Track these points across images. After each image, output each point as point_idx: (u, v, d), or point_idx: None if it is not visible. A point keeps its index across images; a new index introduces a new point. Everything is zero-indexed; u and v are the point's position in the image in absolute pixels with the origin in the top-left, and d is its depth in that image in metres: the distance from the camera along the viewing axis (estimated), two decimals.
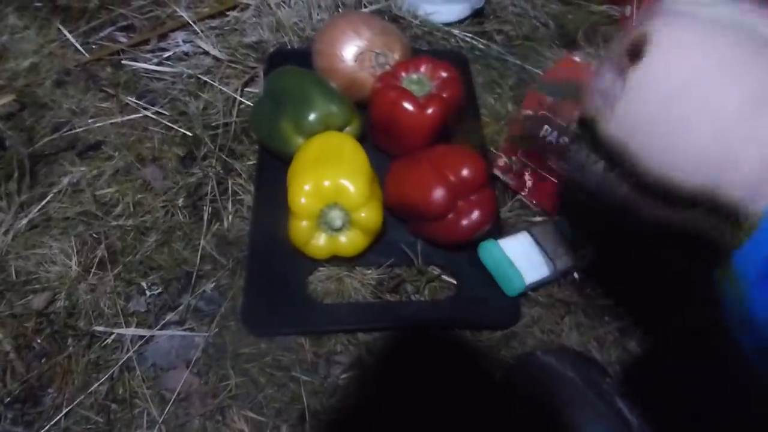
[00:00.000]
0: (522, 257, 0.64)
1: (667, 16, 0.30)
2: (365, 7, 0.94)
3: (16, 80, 0.84)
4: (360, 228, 0.63)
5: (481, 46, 0.92)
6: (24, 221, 0.71)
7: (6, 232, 0.69)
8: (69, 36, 0.89)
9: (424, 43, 0.91)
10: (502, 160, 0.73)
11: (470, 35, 0.93)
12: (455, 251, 0.67)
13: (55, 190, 0.74)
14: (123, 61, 0.87)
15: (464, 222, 0.62)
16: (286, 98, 0.70)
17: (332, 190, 0.61)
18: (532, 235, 0.67)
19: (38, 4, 0.94)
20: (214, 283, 0.67)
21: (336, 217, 0.62)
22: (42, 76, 0.85)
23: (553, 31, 0.95)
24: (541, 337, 0.64)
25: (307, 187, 0.61)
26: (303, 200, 0.60)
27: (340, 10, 0.93)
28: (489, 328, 0.64)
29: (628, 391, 0.51)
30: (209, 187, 0.74)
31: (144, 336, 0.64)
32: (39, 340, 0.63)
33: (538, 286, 0.66)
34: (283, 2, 0.94)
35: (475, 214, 0.62)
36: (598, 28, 0.95)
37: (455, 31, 0.93)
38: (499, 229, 0.68)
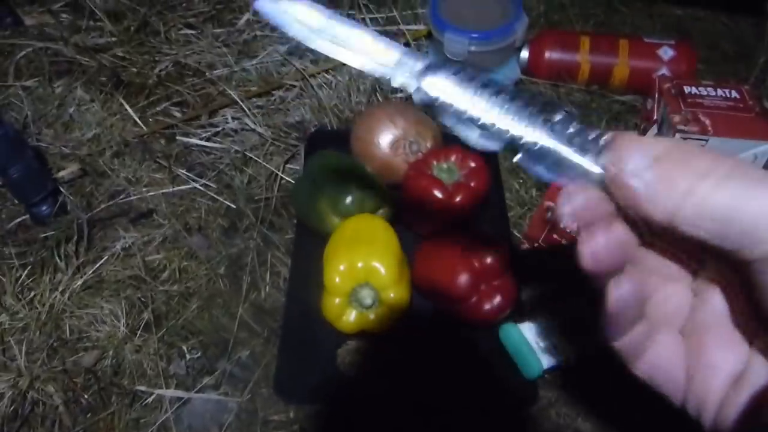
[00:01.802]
0: (541, 341, 0.68)
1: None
2: (401, 92, 1.01)
3: (80, 149, 0.92)
4: (388, 306, 0.68)
5: None
6: (79, 282, 0.77)
7: (63, 292, 0.76)
8: (129, 110, 0.97)
9: None
10: (525, 246, 0.78)
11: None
12: (476, 331, 0.71)
13: (108, 254, 0.80)
14: (177, 137, 0.94)
15: (487, 306, 0.67)
16: (324, 181, 0.76)
17: (364, 270, 0.66)
18: (551, 320, 0.70)
19: (103, 79, 1.03)
20: (249, 351, 0.72)
21: (367, 295, 0.67)
22: (103, 146, 0.93)
23: (577, 119, 1.00)
24: (557, 420, 0.67)
25: (341, 268, 0.66)
26: (337, 279, 0.66)
27: (377, 93, 1.00)
28: (507, 409, 0.67)
29: None
30: (249, 258, 0.80)
31: (182, 398, 0.68)
32: (86, 396, 0.68)
33: (556, 369, 0.69)
34: (325, 84, 1.02)
35: (497, 299, 0.67)
36: (620, 118, 1.01)
37: None
38: (519, 312, 0.72)
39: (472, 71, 0.28)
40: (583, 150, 0.26)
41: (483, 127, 0.27)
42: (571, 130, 0.27)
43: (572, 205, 0.26)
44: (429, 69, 0.28)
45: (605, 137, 0.26)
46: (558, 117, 0.27)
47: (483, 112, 0.27)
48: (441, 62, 0.28)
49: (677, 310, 0.31)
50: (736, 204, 0.23)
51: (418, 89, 0.28)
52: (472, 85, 0.28)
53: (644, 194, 0.24)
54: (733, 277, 0.27)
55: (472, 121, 0.27)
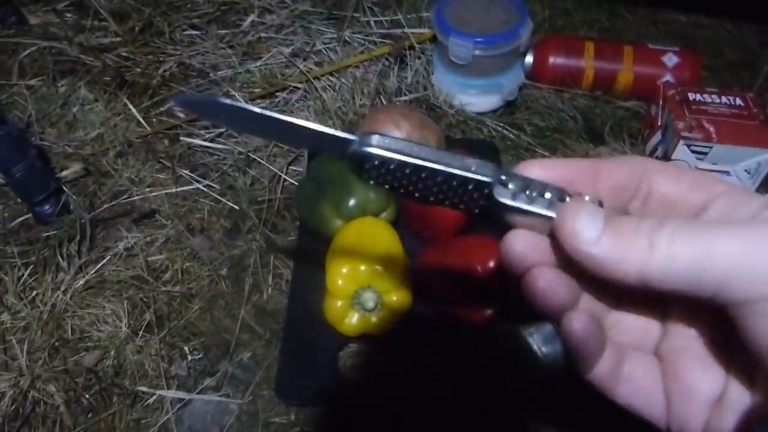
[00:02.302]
0: (543, 346, 0.68)
1: None
2: (405, 95, 1.01)
3: (83, 149, 0.92)
4: (390, 310, 0.68)
5: (511, 136, 0.97)
6: (81, 281, 0.77)
7: (65, 291, 0.75)
8: (133, 110, 0.97)
9: (458, 132, 0.98)
10: None
11: (502, 125, 0.99)
12: (478, 335, 0.71)
13: (111, 254, 0.80)
14: (180, 137, 0.94)
15: (489, 310, 0.67)
16: (327, 183, 0.76)
17: (367, 273, 0.66)
18: (554, 326, 0.70)
19: (107, 79, 1.03)
20: (250, 352, 0.72)
21: (369, 298, 0.67)
22: (106, 146, 0.93)
23: (580, 124, 1.00)
24: (557, 426, 0.66)
25: (344, 270, 0.66)
26: (340, 282, 0.66)
27: (381, 96, 1.01)
28: (508, 413, 0.67)
29: None
30: (252, 260, 0.80)
31: (183, 399, 0.68)
32: (87, 396, 0.68)
33: (557, 374, 0.69)
34: (329, 86, 1.02)
35: (500, 304, 0.67)
36: (624, 124, 1.01)
37: (488, 121, 0.99)
38: (522, 317, 0.72)
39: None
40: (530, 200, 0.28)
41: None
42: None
43: (520, 249, 0.28)
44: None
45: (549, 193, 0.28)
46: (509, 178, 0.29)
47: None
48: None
49: (647, 331, 0.31)
50: (702, 253, 0.23)
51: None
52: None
53: (607, 261, 0.25)
54: (705, 315, 0.27)
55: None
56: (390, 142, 0.28)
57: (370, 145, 0.28)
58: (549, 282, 0.27)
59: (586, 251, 0.25)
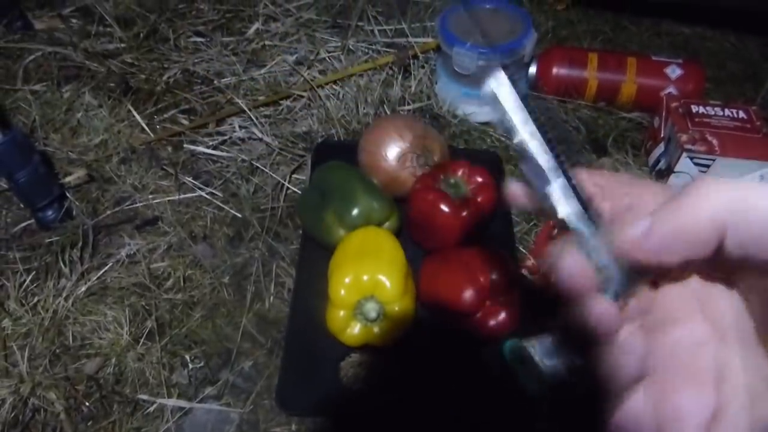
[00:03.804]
0: (547, 359, 0.67)
1: None
2: (408, 104, 1.01)
3: (86, 155, 0.92)
4: (393, 320, 0.67)
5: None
6: (83, 288, 0.77)
7: (67, 298, 0.75)
8: (137, 116, 0.97)
9: (461, 142, 0.98)
10: (530, 261, 0.78)
11: (505, 135, 0.99)
12: (481, 347, 0.71)
13: (113, 261, 0.80)
14: (184, 144, 0.94)
15: (491, 322, 0.67)
16: (331, 192, 0.76)
17: (370, 283, 0.66)
18: (556, 337, 0.70)
19: (112, 85, 1.04)
20: (252, 361, 0.72)
21: (372, 309, 0.66)
22: (110, 152, 0.93)
23: (583, 135, 1.00)
24: None
25: (347, 280, 0.66)
26: (342, 292, 0.65)
27: (385, 105, 1.01)
28: (510, 426, 0.67)
29: None
30: (254, 268, 0.80)
31: (184, 408, 0.68)
32: (88, 404, 0.68)
33: (559, 386, 0.69)
34: (333, 95, 1.02)
35: (502, 316, 0.67)
36: (627, 135, 1.01)
37: (491, 131, 0.99)
38: (524, 329, 0.72)
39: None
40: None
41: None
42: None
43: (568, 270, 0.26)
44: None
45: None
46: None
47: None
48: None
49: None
50: None
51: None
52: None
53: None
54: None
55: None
56: None
57: None
58: (603, 310, 0.26)
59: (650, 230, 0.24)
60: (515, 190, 0.30)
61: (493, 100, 0.28)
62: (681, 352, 0.26)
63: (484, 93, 0.28)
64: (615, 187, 0.28)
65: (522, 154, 0.27)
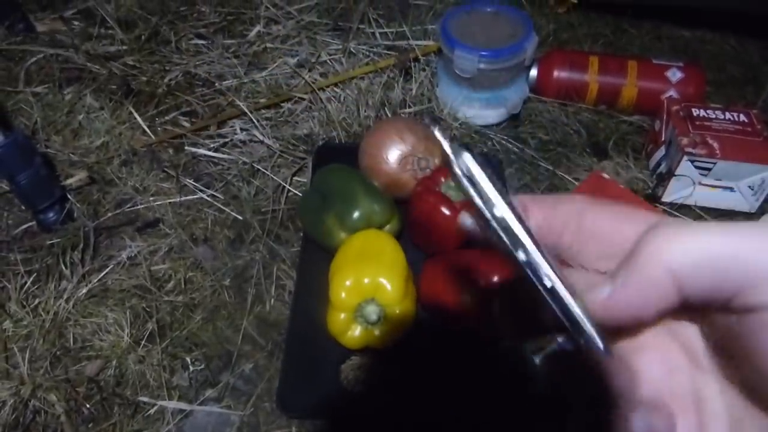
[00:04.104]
0: (545, 363, 0.67)
1: None
2: (409, 107, 1.01)
3: (88, 156, 0.93)
4: (393, 323, 0.67)
5: (515, 149, 0.98)
6: (84, 290, 0.77)
7: (68, 300, 0.75)
8: (138, 118, 0.98)
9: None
10: None
11: (506, 138, 0.99)
12: (481, 349, 0.71)
13: (114, 263, 0.80)
14: (185, 146, 0.94)
15: (491, 325, 0.66)
16: (332, 195, 0.76)
17: (371, 286, 0.66)
18: (557, 342, 0.70)
19: (113, 87, 1.04)
20: (252, 364, 0.72)
21: (372, 311, 0.66)
22: (111, 154, 0.93)
23: (584, 139, 1.00)
24: None
25: (348, 283, 0.66)
26: (343, 294, 0.65)
27: (386, 108, 1.01)
28: (511, 426, 0.67)
29: None
30: (255, 270, 0.80)
31: (184, 410, 0.68)
32: (88, 406, 0.68)
33: (561, 393, 0.69)
34: (334, 97, 1.02)
35: None
36: (628, 138, 1.01)
37: (492, 134, 0.99)
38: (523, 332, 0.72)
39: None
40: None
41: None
42: None
43: None
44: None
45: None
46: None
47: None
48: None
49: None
50: (730, 246, 0.21)
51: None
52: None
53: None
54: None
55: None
56: None
57: None
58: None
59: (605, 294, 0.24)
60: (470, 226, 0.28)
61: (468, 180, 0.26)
62: (658, 378, 0.26)
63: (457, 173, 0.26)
64: (573, 217, 0.28)
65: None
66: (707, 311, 0.24)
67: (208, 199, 0.88)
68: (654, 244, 0.23)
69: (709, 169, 0.83)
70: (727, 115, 0.88)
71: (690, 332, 0.26)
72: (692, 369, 0.25)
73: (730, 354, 0.24)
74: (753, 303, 0.21)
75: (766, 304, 0.21)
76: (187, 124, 1.00)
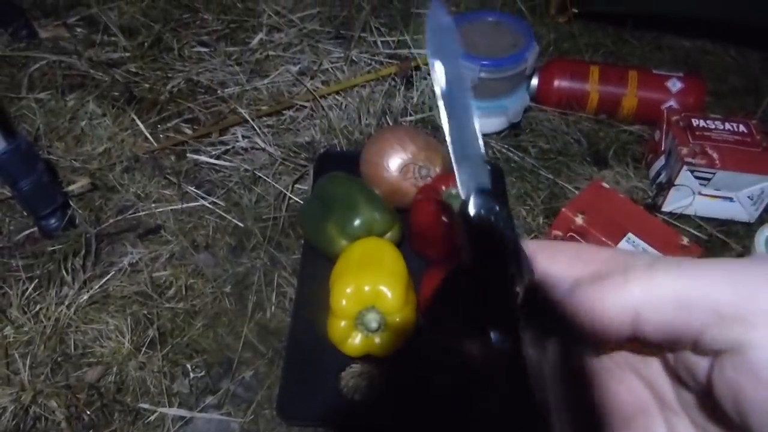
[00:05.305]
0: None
1: None
2: (411, 115, 1.02)
3: (90, 163, 0.93)
4: (394, 331, 0.68)
5: (516, 158, 0.98)
6: (85, 296, 0.77)
7: (69, 306, 0.76)
8: (141, 125, 0.98)
9: None
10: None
11: (506, 147, 0.99)
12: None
13: (115, 269, 0.81)
14: (187, 153, 0.95)
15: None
16: (333, 202, 0.76)
17: (371, 294, 0.66)
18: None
19: (116, 94, 1.04)
20: (253, 371, 0.72)
21: (373, 319, 0.67)
22: (113, 161, 0.93)
23: (584, 148, 1.00)
24: None
25: (348, 290, 0.66)
26: (344, 302, 0.66)
27: (387, 116, 1.01)
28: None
29: None
30: (256, 278, 0.80)
31: (184, 417, 0.68)
32: (89, 412, 0.68)
33: None
34: (335, 105, 1.03)
35: None
36: (628, 148, 1.01)
37: (492, 143, 1.00)
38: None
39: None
40: None
41: None
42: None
43: None
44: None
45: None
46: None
47: None
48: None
49: None
50: (689, 285, 0.21)
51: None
52: None
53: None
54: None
55: None
56: None
57: None
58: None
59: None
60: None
61: None
62: (630, 413, 0.25)
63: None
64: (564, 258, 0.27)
65: None
66: (678, 352, 0.23)
67: (210, 206, 0.88)
68: (608, 286, 0.22)
69: (708, 179, 0.83)
70: (727, 125, 0.88)
71: (654, 369, 0.25)
72: (660, 406, 0.25)
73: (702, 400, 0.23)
74: (721, 342, 0.20)
75: (739, 344, 0.19)
76: (189, 131, 1.00)
